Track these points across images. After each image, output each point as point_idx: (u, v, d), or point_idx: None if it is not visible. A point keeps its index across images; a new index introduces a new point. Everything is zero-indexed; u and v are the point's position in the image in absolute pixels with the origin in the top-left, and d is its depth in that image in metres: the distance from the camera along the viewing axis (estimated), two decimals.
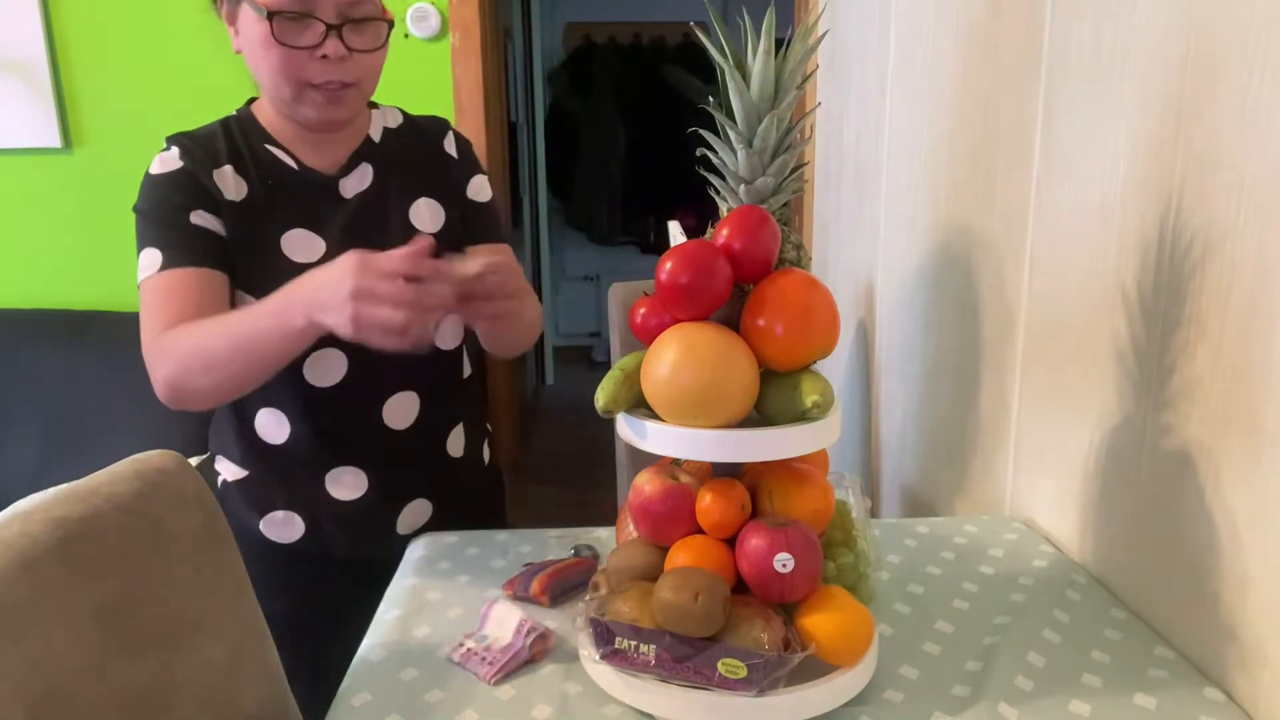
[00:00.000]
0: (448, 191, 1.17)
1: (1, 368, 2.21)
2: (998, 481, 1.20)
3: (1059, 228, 1.03)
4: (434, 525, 1.17)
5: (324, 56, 1.01)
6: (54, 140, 2.29)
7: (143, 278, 1.04)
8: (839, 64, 1.99)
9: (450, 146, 1.19)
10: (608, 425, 0.92)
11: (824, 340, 0.76)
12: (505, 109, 2.90)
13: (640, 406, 0.79)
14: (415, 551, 1.05)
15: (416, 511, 1.17)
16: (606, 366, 0.87)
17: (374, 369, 1.09)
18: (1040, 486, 1.09)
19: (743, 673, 0.70)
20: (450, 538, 1.07)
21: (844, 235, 1.99)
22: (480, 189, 1.20)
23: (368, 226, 1.10)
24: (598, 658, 0.75)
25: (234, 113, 1.15)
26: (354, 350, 1.07)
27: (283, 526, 1.14)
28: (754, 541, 0.74)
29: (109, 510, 0.71)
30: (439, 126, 1.21)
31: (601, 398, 0.78)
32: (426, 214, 1.14)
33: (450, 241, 1.12)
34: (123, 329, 2.27)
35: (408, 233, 1.12)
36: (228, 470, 1.16)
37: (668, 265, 0.74)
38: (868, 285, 1.79)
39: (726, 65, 0.76)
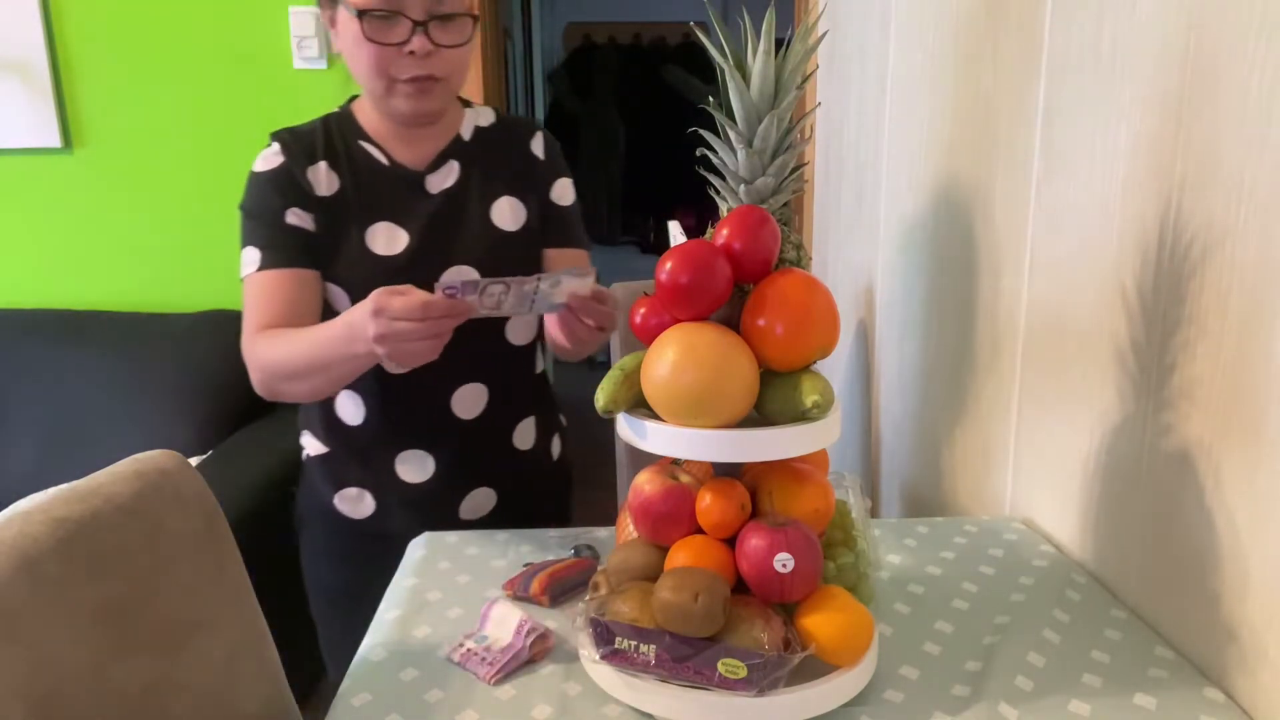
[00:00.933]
0: (531, 192, 1.20)
1: (1, 368, 2.21)
2: (998, 481, 1.20)
3: (1059, 228, 1.03)
4: (498, 514, 1.23)
5: (411, 52, 1.06)
6: (54, 140, 2.29)
7: (244, 274, 1.12)
8: (839, 64, 1.99)
9: (538, 147, 1.22)
10: (608, 425, 0.92)
11: (824, 340, 0.76)
12: (505, 109, 2.91)
13: (640, 406, 0.79)
14: (415, 551, 1.05)
15: (480, 499, 1.22)
16: (606, 366, 0.87)
17: (445, 360, 1.13)
18: (1040, 486, 1.09)
19: (743, 673, 0.70)
20: (450, 538, 1.07)
21: (844, 235, 1.99)
22: (564, 193, 1.24)
23: (449, 222, 1.15)
24: (598, 658, 0.75)
25: (336, 110, 1.20)
26: None
27: (355, 503, 1.22)
28: (754, 541, 0.74)
29: (109, 510, 0.71)
30: (528, 126, 1.25)
31: (601, 398, 0.78)
32: (507, 213, 1.18)
33: (528, 242, 1.20)
34: (123, 329, 2.27)
35: (487, 229, 1.17)
36: (311, 446, 1.25)
37: (668, 265, 0.74)
38: (868, 285, 1.79)
39: (726, 65, 0.76)
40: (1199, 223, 0.78)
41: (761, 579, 0.73)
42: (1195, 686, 0.77)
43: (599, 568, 0.90)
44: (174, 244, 2.38)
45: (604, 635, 0.75)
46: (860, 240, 1.84)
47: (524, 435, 1.25)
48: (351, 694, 0.78)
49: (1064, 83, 1.01)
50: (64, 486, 0.71)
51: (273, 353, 1.06)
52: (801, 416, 0.75)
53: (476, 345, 1.15)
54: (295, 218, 1.11)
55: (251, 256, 1.11)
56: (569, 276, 0.90)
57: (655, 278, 0.75)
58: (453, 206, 1.16)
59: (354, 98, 1.20)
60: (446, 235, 1.14)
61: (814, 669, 0.73)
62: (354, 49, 1.08)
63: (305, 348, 1.03)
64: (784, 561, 0.72)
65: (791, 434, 0.74)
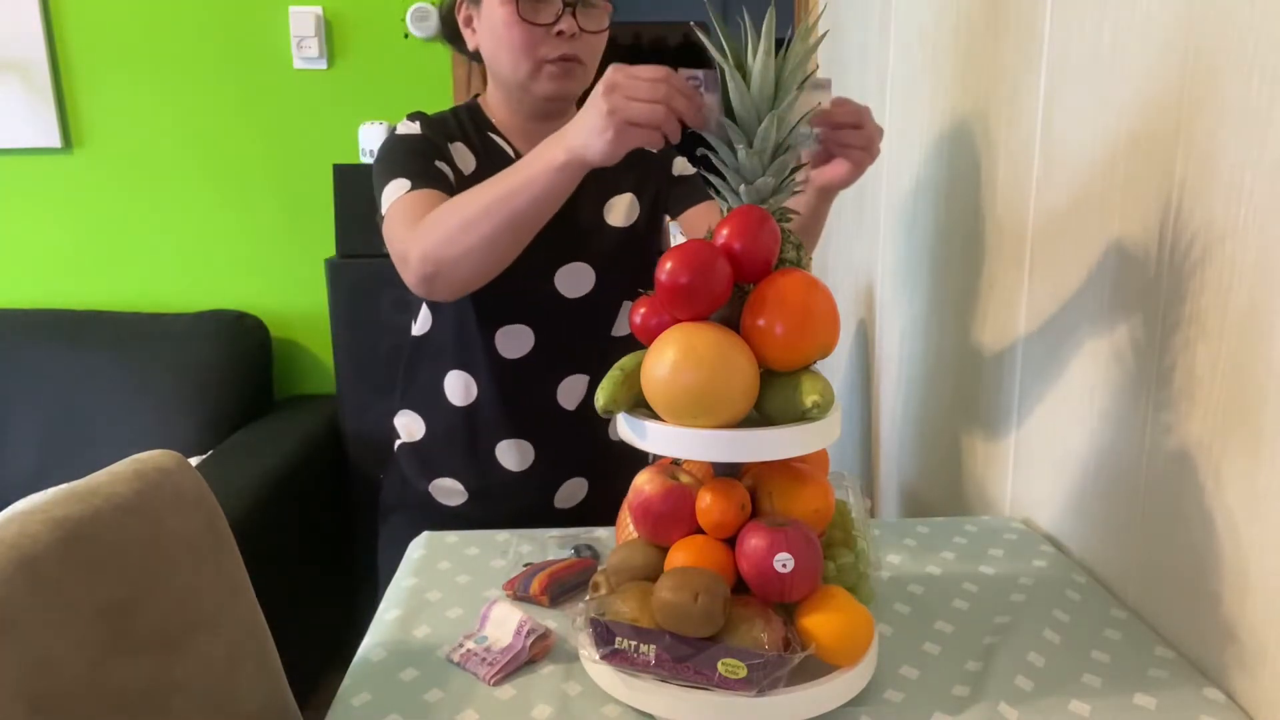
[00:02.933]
0: (649, 185, 1.26)
1: (1, 368, 2.21)
2: (998, 481, 1.20)
3: (1059, 228, 1.03)
4: (588, 503, 1.28)
5: (560, 33, 1.10)
6: (54, 140, 2.29)
7: (391, 200, 1.06)
8: (839, 64, 1.99)
9: None
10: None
11: (824, 340, 0.76)
12: None
13: (640, 406, 0.79)
14: (415, 551, 1.05)
15: (574, 488, 1.27)
16: None
17: (556, 348, 1.22)
18: (1040, 486, 1.09)
19: (743, 673, 0.70)
20: (450, 538, 1.07)
21: (844, 235, 1.99)
22: (685, 166, 1.29)
23: (566, 219, 1.13)
24: (598, 658, 0.75)
25: (461, 104, 1.24)
26: (541, 327, 1.20)
27: (450, 491, 1.26)
28: (754, 541, 0.74)
29: (109, 510, 0.71)
30: None
31: (601, 398, 0.78)
32: (622, 209, 1.23)
33: (640, 237, 1.25)
34: (123, 329, 2.27)
35: (599, 225, 1.21)
36: (407, 431, 1.28)
37: (668, 265, 0.74)
38: (868, 285, 1.79)
39: (726, 65, 0.76)
40: (1199, 223, 0.78)
41: (761, 579, 0.73)
42: (1195, 686, 0.77)
43: (599, 568, 0.90)
44: (174, 244, 2.38)
45: (604, 635, 0.75)
46: (860, 240, 1.84)
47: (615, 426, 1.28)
48: (351, 694, 0.78)
49: (1064, 83, 1.01)
50: (64, 486, 0.71)
51: (444, 211, 0.97)
52: (801, 416, 0.75)
53: (584, 336, 1.21)
54: (443, 168, 1.12)
55: (400, 185, 1.07)
56: (809, 90, 0.82)
57: (655, 278, 0.75)
58: (569, 204, 1.13)
59: (477, 96, 1.25)
60: (562, 232, 1.12)
61: (814, 669, 0.73)
62: (503, 32, 1.11)
63: (487, 185, 0.95)
64: (784, 561, 0.72)
65: (791, 434, 0.74)
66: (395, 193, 1.08)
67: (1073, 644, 0.83)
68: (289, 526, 1.88)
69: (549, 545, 1.05)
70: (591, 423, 1.25)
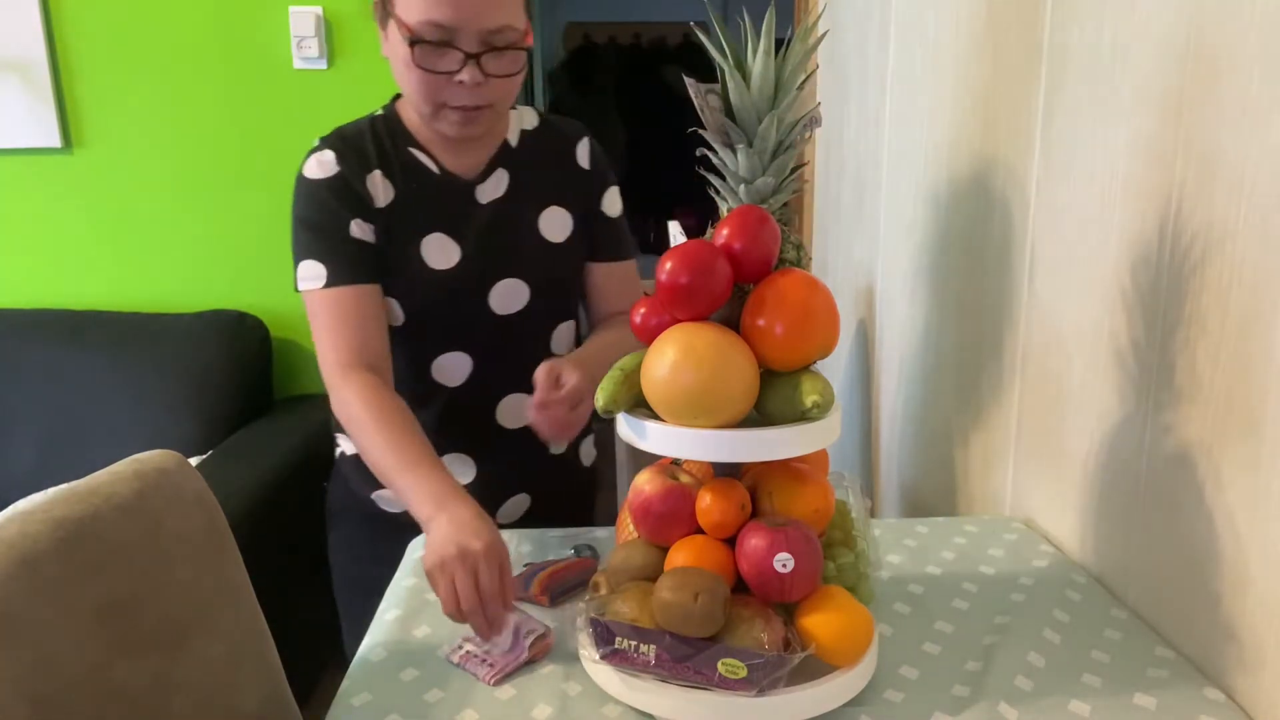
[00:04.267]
0: (578, 202, 1.21)
1: (1, 368, 2.21)
2: (998, 481, 1.20)
3: (1059, 228, 1.02)
4: (530, 518, 1.25)
5: (461, 82, 1.03)
6: (54, 140, 2.29)
7: (306, 288, 1.10)
8: (839, 64, 1.99)
9: (583, 158, 1.22)
10: (608, 425, 0.92)
11: (824, 340, 0.76)
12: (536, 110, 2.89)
13: (640, 406, 0.79)
14: (415, 552, 1.05)
15: (516, 504, 1.25)
16: None
17: (493, 369, 1.18)
18: (1040, 486, 1.09)
19: (743, 673, 0.70)
20: None
21: (844, 235, 1.99)
22: (613, 203, 1.24)
23: (499, 234, 1.15)
24: (598, 658, 0.75)
25: (379, 110, 1.17)
26: (479, 355, 1.17)
27: (393, 499, 1.22)
28: (754, 541, 0.74)
29: (109, 510, 0.71)
30: (573, 131, 1.24)
31: (601, 398, 0.78)
32: (556, 223, 1.19)
33: (574, 252, 1.21)
34: (123, 329, 2.27)
35: (536, 241, 1.17)
36: (348, 444, 1.24)
37: (668, 265, 0.74)
38: (868, 285, 1.79)
39: (726, 65, 0.76)
40: (1199, 223, 0.78)
41: (761, 579, 0.73)
42: (1195, 686, 0.77)
43: (599, 568, 0.90)
44: (174, 244, 2.38)
45: (604, 635, 0.75)
46: (860, 240, 1.84)
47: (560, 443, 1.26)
48: (351, 694, 0.78)
49: (1064, 83, 1.01)
50: (64, 486, 0.71)
51: (354, 424, 1.03)
52: (801, 416, 0.75)
53: (523, 355, 1.16)
54: (359, 230, 1.09)
55: (315, 271, 1.08)
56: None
57: (655, 278, 0.75)
58: (502, 218, 1.16)
59: (397, 96, 1.17)
60: (497, 248, 1.14)
61: (814, 669, 0.73)
62: (402, 70, 1.05)
63: (384, 456, 0.99)
64: (784, 561, 0.72)
65: (791, 434, 0.74)
66: (310, 280, 1.09)
67: (1073, 644, 0.83)
68: (289, 526, 1.87)
69: (549, 545, 1.05)
70: (534, 441, 1.19)
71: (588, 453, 1.35)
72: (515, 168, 1.17)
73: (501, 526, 1.19)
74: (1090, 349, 0.96)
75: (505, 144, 1.17)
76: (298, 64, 2.26)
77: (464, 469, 1.21)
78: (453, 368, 1.17)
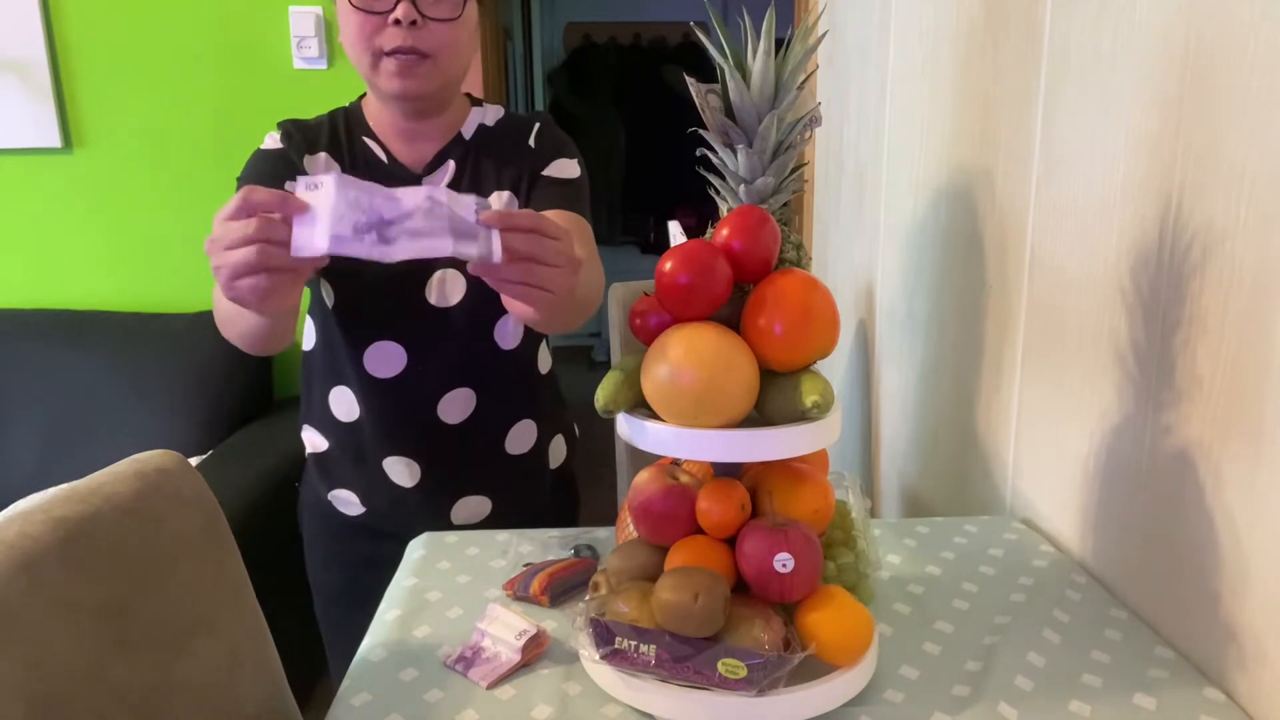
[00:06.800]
0: (524, 181, 1.15)
1: (1, 368, 2.21)
2: (998, 481, 1.20)
3: (1059, 228, 1.03)
4: (493, 521, 1.22)
5: (396, 21, 1.01)
6: (54, 140, 2.29)
7: None
8: (839, 64, 1.99)
9: (532, 138, 1.18)
10: (608, 425, 0.92)
11: (824, 340, 0.76)
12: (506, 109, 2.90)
13: (640, 406, 0.79)
14: (415, 551, 1.05)
15: (472, 506, 1.22)
16: (606, 366, 0.87)
17: (430, 364, 1.15)
18: (1040, 486, 1.09)
19: (743, 673, 0.70)
20: (450, 538, 1.07)
21: (844, 235, 1.99)
22: (564, 168, 1.15)
23: None
24: (598, 658, 0.75)
25: (347, 105, 1.19)
26: (411, 345, 1.14)
27: (347, 501, 1.22)
28: (754, 541, 0.74)
29: (109, 510, 0.71)
30: (531, 117, 1.21)
31: (601, 398, 0.78)
32: (495, 206, 1.14)
33: None
34: (123, 329, 2.27)
35: None
36: (310, 443, 1.24)
37: (668, 265, 0.74)
38: (868, 285, 1.79)
39: (726, 65, 0.76)
40: (1199, 223, 0.78)
41: (761, 579, 0.73)
42: (1195, 686, 0.77)
43: (599, 568, 0.90)
44: (174, 244, 2.38)
45: (604, 635, 0.75)
46: (860, 240, 1.84)
47: (519, 440, 1.22)
48: (351, 694, 0.78)
49: (1064, 83, 1.01)
50: (64, 486, 0.71)
51: (217, 301, 1.00)
52: (801, 416, 0.75)
53: (462, 349, 1.14)
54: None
55: None
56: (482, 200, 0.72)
57: (655, 278, 0.75)
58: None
59: (365, 94, 1.19)
60: None
61: (814, 669, 0.73)
62: (342, 22, 1.05)
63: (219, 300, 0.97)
64: (784, 561, 0.72)
65: (791, 434, 0.74)
66: None
67: (1073, 644, 0.83)
68: (289, 526, 1.87)
69: (549, 545, 1.05)
70: (483, 438, 1.19)
71: (557, 453, 1.29)
72: (465, 158, 1.14)
73: (460, 528, 1.18)
74: (1090, 349, 0.96)
75: (458, 136, 1.15)
76: (298, 64, 2.27)
77: (409, 468, 1.18)
78: (385, 358, 1.14)
